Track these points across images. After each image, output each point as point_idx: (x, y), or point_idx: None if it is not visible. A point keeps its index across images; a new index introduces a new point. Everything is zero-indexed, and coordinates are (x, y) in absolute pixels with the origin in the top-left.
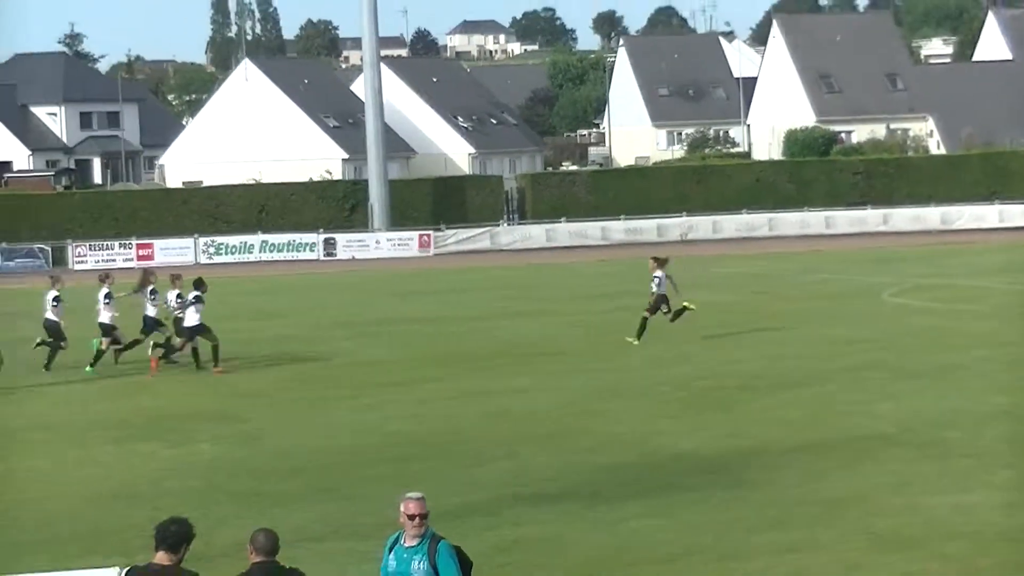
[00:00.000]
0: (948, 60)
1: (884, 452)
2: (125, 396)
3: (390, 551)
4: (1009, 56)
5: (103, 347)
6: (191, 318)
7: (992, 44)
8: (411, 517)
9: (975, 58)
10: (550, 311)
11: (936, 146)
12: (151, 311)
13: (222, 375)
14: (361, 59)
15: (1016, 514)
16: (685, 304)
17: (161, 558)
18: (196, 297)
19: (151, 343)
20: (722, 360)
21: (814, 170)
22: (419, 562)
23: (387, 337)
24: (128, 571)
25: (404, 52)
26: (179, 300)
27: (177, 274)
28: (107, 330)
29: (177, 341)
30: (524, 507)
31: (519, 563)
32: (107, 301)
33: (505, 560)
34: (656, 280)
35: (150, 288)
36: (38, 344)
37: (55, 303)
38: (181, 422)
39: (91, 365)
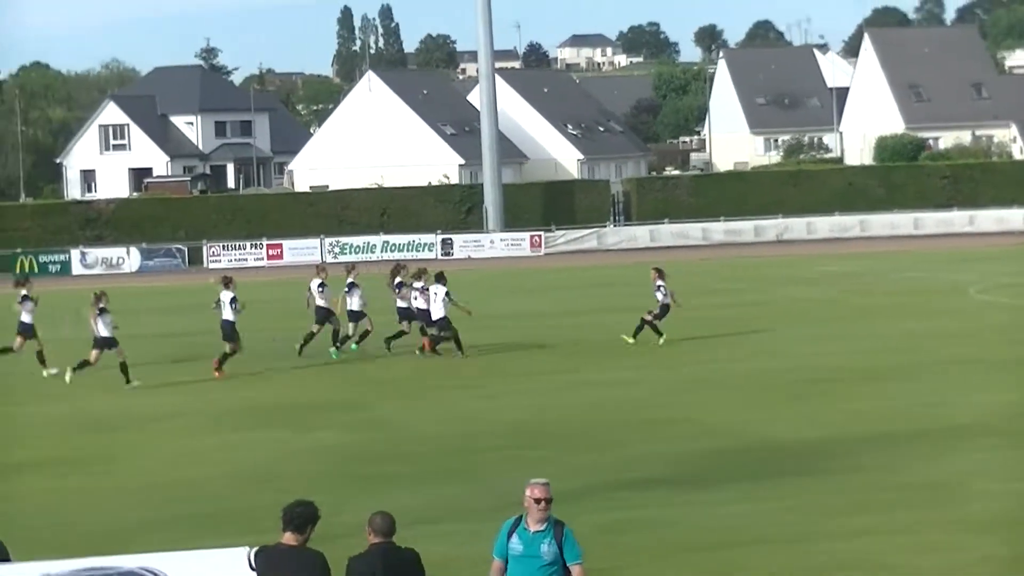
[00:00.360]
0: None
1: (967, 442)
2: (252, 386)
3: (509, 535)
4: None
5: (314, 331)
6: (437, 311)
7: None
8: (537, 501)
9: None
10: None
11: (1019, 151)
12: (401, 303)
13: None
14: (477, 71)
15: None
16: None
17: (288, 538)
18: (446, 293)
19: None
20: (813, 353)
21: (903, 175)
22: (547, 544)
23: (502, 331)
24: (257, 551)
25: (517, 64)
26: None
27: (423, 268)
28: (323, 315)
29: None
30: (629, 491)
31: (624, 544)
32: (320, 290)
33: (612, 540)
34: (660, 289)
35: (397, 281)
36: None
37: (233, 304)
38: (307, 410)
39: (337, 346)
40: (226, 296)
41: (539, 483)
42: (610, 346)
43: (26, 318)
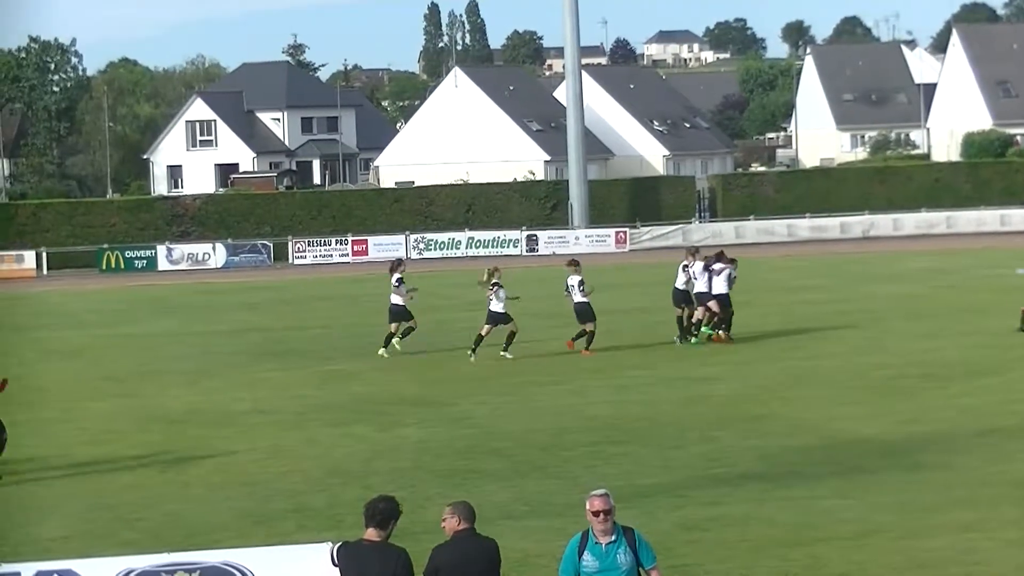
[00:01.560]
0: None
1: None
2: (337, 382)
3: (580, 552)
4: None
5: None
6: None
7: None
8: (596, 514)
9: None
10: (743, 302)
11: None
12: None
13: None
14: (563, 67)
15: None
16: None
17: (370, 534)
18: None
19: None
20: (905, 350)
21: (990, 171)
22: (623, 554)
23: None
24: (340, 546)
25: (603, 60)
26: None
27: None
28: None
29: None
30: (717, 487)
31: (705, 540)
32: (397, 285)
33: (691, 538)
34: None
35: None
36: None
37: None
38: (390, 406)
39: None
40: (574, 279)
41: (598, 495)
42: (697, 343)
43: (398, 300)
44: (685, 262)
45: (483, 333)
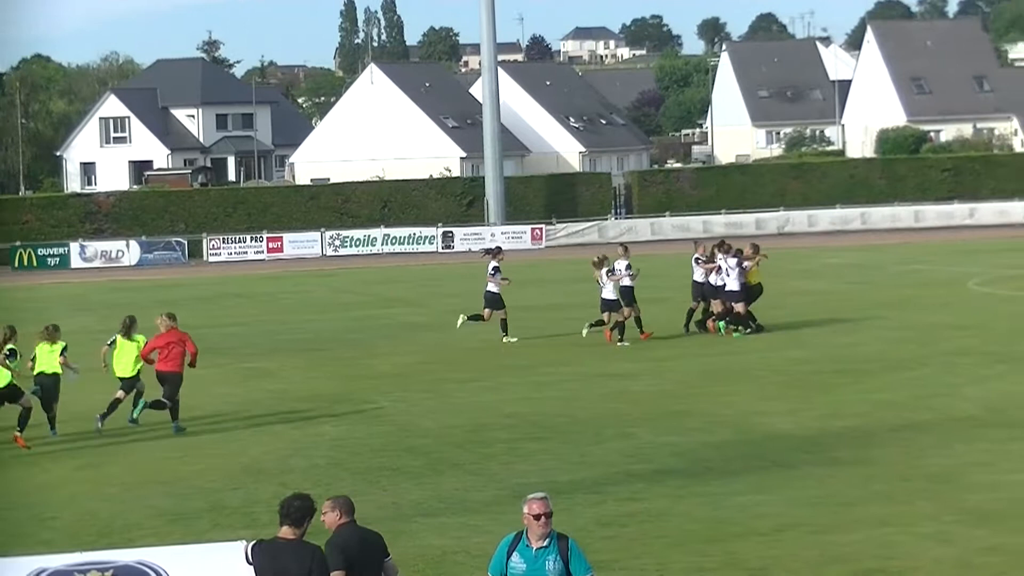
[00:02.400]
0: None
1: (974, 432)
2: (254, 380)
3: (509, 553)
4: None
5: (486, 317)
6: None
7: None
8: (536, 517)
9: None
10: (658, 299)
11: (1020, 144)
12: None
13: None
14: (480, 63)
15: None
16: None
17: (285, 532)
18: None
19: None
20: (822, 345)
21: (905, 167)
22: (553, 562)
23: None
24: (255, 544)
25: (520, 57)
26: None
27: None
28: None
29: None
30: (634, 484)
31: (622, 536)
32: (493, 273)
33: (608, 534)
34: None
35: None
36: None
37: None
38: (308, 404)
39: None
40: (621, 264)
41: (537, 498)
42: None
43: (493, 288)
44: (697, 255)
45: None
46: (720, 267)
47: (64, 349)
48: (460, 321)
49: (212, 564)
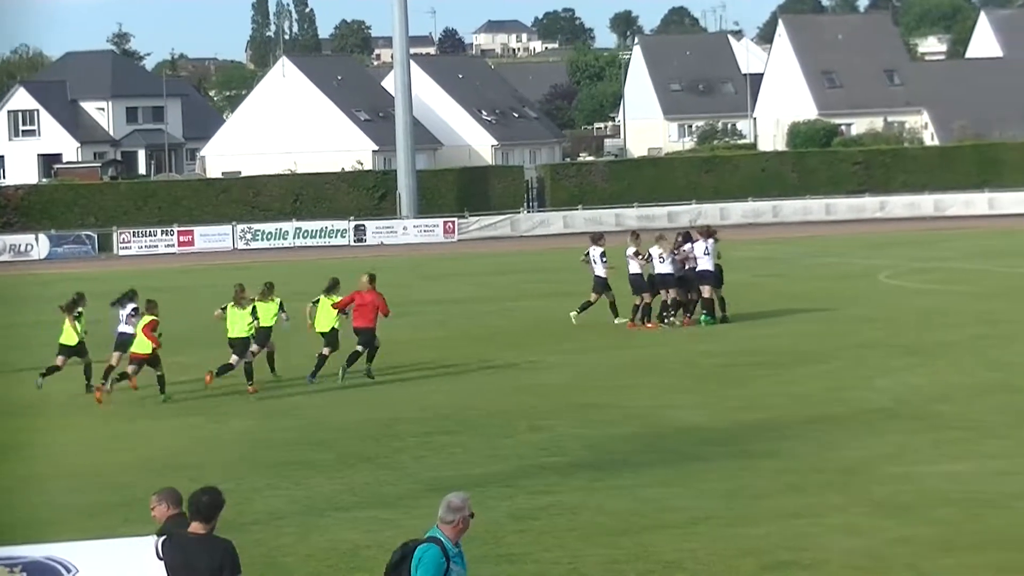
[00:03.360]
0: (943, 57)
1: (884, 424)
2: (167, 374)
3: (448, 564)
4: (1000, 53)
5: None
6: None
7: (984, 42)
8: (472, 516)
9: (968, 55)
10: (570, 292)
11: (930, 138)
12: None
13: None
14: (392, 57)
15: (1004, 482)
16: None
17: (195, 527)
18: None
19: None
20: (735, 338)
21: (816, 160)
22: (464, 561)
23: (416, 317)
24: (164, 539)
25: (432, 50)
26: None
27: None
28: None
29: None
30: (546, 477)
31: (534, 530)
32: (600, 259)
33: (520, 527)
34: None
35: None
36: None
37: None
38: (221, 398)
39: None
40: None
41: (466, 496)
42: (527, 332)
43: (601, 273)
44: (634, 249)
45: None
46: (689, 255)
47: (281, 305)
48: (573, 316)
49: (123, 559)
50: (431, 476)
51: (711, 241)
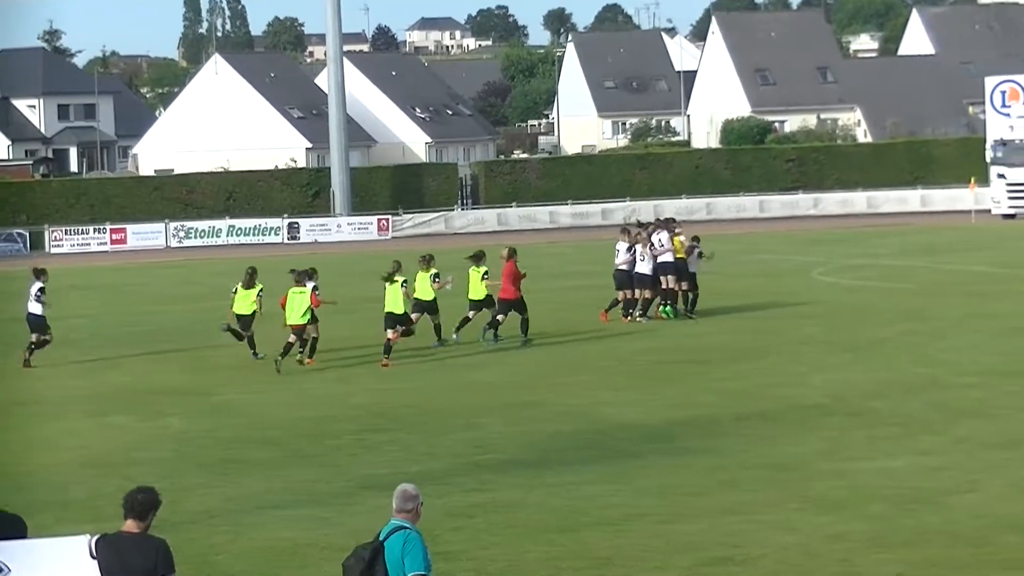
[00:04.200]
0: (875, 54)
1: (818, 421)
2: (99, 373)
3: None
4: (932, 51)
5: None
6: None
7: (916, 39)
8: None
9: (900, 52)
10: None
11: (863, 135)
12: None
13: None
14: (325, 54)
15: (937, 478)
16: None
17: (130, 526)
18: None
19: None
20: (669, 335)
21: (749, 157)
22: None
23: (350, 315)
24: (99, 538)
25: (365, 47)
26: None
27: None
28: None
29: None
30: (482, 474)
31: (470, 527)
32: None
33: (456, 525)
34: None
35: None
36: None
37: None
38: (153, 396)
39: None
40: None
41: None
42: (464, 329)
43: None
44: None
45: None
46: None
47: (436, 275)
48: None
49: (56, 558)
50: (366, 474)
51: (665, 234)
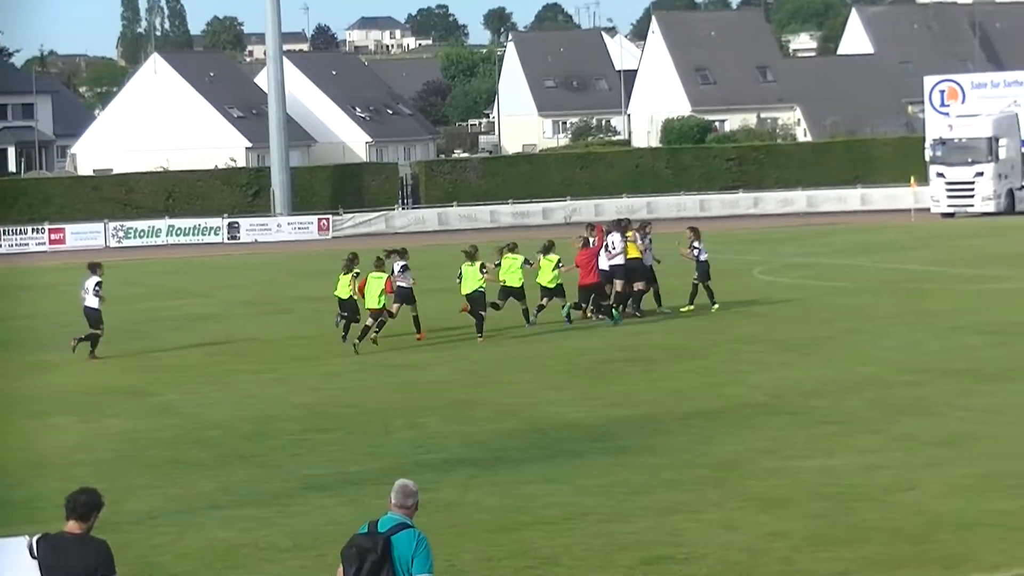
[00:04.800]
0: (814, 54)
1: (759, 419)
2: (39, 373)
3: None
4: (871, 50)
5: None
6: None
7: (855, 39)
8: None
9: (839, 52)
10: (446, 289)
11: (803, 134)
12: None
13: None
14: (264, 53)
15: (876, 476)
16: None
17: (71, 527)
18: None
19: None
20: (610, 334)
21: (690, 156)
22: None
23: (291, 315)
24: (39, 539)
25: (305, 47)
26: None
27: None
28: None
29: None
30: (424, 474)
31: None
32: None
33: None
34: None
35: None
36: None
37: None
38: (93, 397)
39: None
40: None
41: None
42: (404, 329)
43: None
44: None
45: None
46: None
47: (483, 266)
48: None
49: None
50: (307, 474)
51: (617, 236)
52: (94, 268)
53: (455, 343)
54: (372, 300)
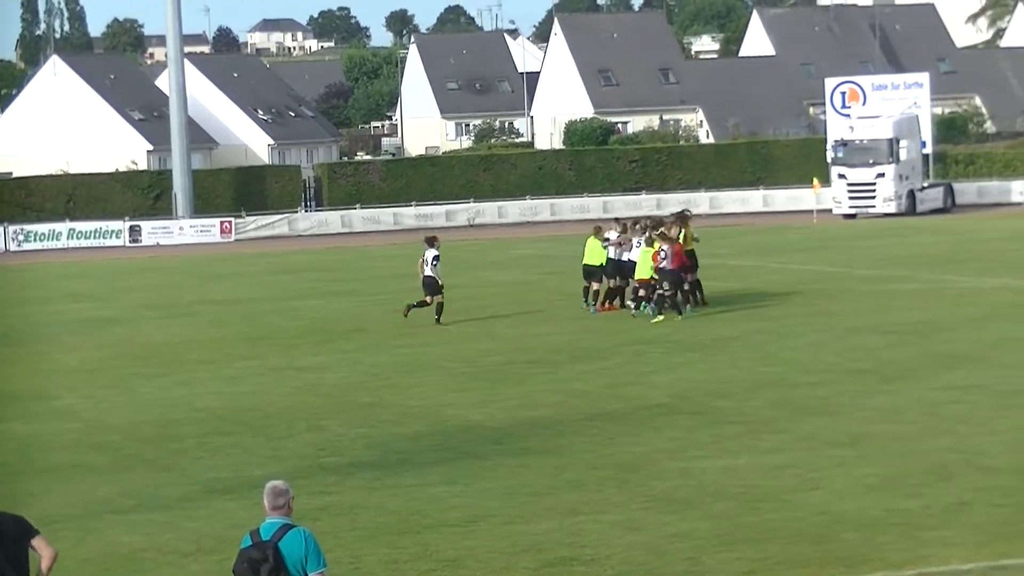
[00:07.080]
0: (716, 56)
1: (663, 420)
2: None
3: None
4: (772, 52)
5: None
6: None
7: (757, 41)
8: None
9: (741, 54)
10: (348, 292)
11: (705, 135)
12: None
13: None
14: (165, 55)
15: (781, 476)
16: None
17: None
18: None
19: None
20: (513, 336)
21: (593, 158)
22: None
23: (193, 318)
24: None
25: (207, 49)
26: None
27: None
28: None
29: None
30: (326, 477)
31: (314, 530)
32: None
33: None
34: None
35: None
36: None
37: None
38: None
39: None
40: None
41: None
42: (307, 331)
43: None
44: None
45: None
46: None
47: (607, 241)
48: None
49: None
50: (209, 477)
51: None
52: (431, 242)
53: (358, 346)
54: (593, 257)
